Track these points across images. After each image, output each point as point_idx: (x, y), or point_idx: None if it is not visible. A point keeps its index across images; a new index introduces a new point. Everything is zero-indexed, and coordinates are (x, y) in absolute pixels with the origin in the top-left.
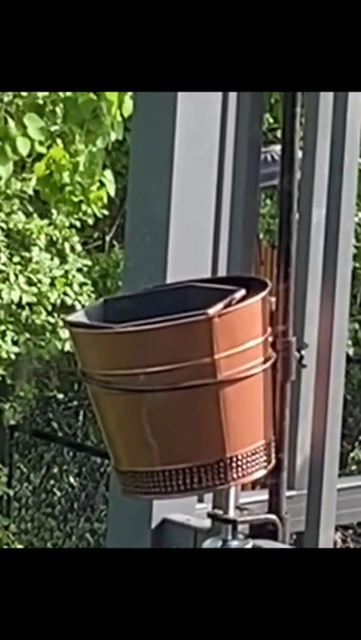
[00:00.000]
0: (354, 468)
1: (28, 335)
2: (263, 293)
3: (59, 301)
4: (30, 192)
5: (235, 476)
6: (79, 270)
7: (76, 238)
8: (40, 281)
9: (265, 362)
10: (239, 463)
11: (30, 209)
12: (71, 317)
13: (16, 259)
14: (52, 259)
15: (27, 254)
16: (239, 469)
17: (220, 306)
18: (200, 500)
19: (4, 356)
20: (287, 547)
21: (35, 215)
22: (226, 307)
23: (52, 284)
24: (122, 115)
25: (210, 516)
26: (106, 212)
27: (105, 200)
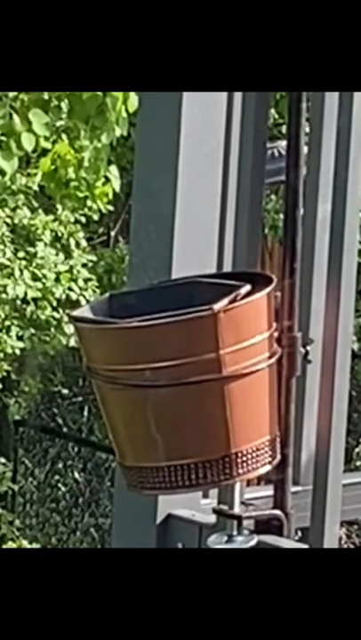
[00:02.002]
0: (359, 463)
1: (32, 330)
2: (268, 289)
3: (64, 297)
4: (35, 187)
5: (240, 471)
6: (84, 265)
7: (81, 234)
8: (45, 276)
9: (270, 357)
10: (244, 459)
11: (35, 204)
12: (76, 312)
13: (21, 254)
14: (56, 254)
15: (32, 249)
16: (244, 465)
17: (225, 301)
18: (205, 496)
19: (9, 351)
20: (292, 544)
21: (40, 210)
22: (231, 302)
23: (57, 280)
24: (127, 110)
25: (215, 511)
26: (111, 208)
27: (110, 195)
